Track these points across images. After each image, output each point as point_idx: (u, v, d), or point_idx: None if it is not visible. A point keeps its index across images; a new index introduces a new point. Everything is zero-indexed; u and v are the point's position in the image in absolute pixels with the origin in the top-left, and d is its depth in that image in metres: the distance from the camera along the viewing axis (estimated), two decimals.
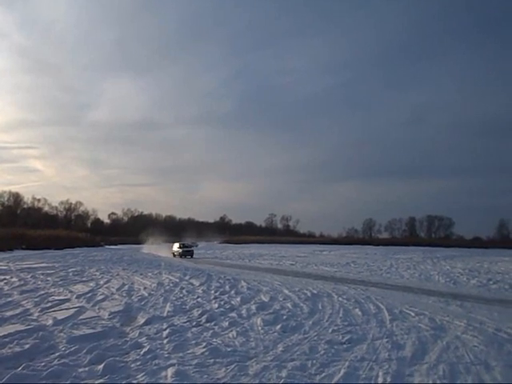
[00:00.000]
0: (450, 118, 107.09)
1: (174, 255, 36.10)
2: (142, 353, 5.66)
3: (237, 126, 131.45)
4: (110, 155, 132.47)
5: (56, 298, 10.10)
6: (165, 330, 7.02)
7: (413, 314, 8.70)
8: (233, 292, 11.65)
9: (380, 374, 4.95)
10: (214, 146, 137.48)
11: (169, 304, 9.48)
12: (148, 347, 5.92)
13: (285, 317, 8.26)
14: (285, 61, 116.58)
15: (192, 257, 34.27)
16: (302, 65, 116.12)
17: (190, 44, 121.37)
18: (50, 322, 7.35)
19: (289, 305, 9.63)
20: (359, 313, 8.79)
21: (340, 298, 10.72)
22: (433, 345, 6.32)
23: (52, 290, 11.59)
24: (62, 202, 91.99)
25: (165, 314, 8.38)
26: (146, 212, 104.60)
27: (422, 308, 9.51)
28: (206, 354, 5.67)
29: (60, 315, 7.95)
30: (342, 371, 5.01)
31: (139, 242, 67.69)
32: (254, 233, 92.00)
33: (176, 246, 37.43)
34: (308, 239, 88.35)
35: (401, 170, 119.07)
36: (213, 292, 11.64)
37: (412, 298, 11.46)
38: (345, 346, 6.23)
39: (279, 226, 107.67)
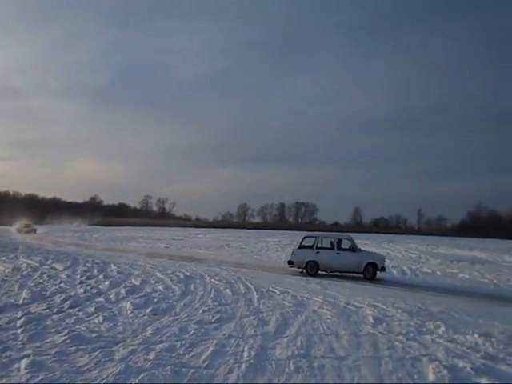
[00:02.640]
0: (323, 111, 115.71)
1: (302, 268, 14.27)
2: None
3: (113, 103, 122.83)
4: None
5: None
6: (19, 318, 6.35)
7: (278, 293, 9.36)
8: (101, 276, 11.06)
9: (245, 348, 5.24)
10: (86, 122, 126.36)
11: (26, 290, 8.59)
12: None
13: (156, 299, 8.16)
14: (169, 40, 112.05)
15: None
16: (187, 46, 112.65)
17: (59, 10, 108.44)
18: None
19: (161, 287, 9.53)
20: (230, 293, 9.13)
21: (212, 280, 10.98)
22: (293, 319, 6.91)
23: None
24: None
25: (20, 302, 7.57)
26: (1, 189, 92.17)
27: (286, 286, 10.29)
28: (68, 341, 5.31)
29: None
30: (210, 349, 5.18)
31: None
32: (128, 215, 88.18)
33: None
34: (184, 222, 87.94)
35: (275, 157, 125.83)
36: (78, 276, 10.89)
37: (278, 277, 12.32)
38: (214, 325, 6.44)
39: (155, 208, 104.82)
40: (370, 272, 13.44)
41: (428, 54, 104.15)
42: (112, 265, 13.61)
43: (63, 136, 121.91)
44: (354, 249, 14.05)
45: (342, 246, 14.23)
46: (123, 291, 8.90)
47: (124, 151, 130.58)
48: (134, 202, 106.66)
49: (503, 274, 15.67)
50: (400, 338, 6.01)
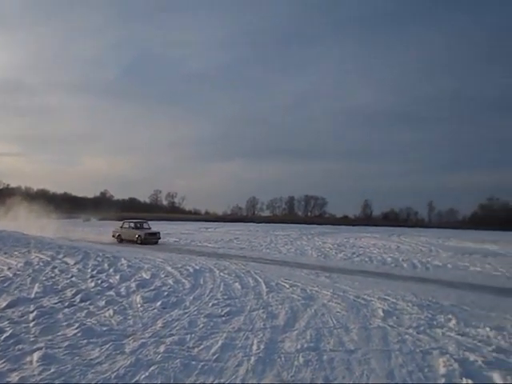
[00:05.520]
0: (330, 105, 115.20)
1: None
2: (2, 338, 5.12)
3: (121, 97, 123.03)
4: None
5: None
6: (32, 312, 6.44)
7: (287, 286, 9.36)
8: (112, 270, 11.15)
9: (255, 342, 5.26)
10: (96, 117, 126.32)
11: (37, 284, 8.70)
12: (10, 332, 5.37)
13: (166, 293, 8.21)
14: (175, 34, 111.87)
15: None
16: (193, 40, 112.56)
17: (67, 5, 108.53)
18: None
19: (170, 281, 9.58)
20: (239, 286, 9.16)
21: (221, 273, 11.01)
22: (303, 313, 6.91)
23: None
24: None
25: (32, 296, 7.67)
26: (13, 185, 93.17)
27: (295, 280, 10.28)
28: (79, 334, 5.37)
29: None
30: (220, 342, 5.20)
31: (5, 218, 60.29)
32: (138, 209, 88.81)
33: None
34: (194, 216, 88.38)
35: (283, 151, 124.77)
36: (89, 271, 10.98)
37: (288, 271, 12.31)
38: (223, 318, 6.46)
39: (164, 202, 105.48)
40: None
41: (431, 47, 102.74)
42: (122, 259, 13.70)
43: (73, 131, 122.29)
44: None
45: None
46: (133, 285, 8.97)
47: (134, 146, 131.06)
48: (143, 197, 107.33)
49: None
50: (410, 331, 5.98)
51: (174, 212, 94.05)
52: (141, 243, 22.24)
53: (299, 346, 5.12)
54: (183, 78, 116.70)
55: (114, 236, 24.59)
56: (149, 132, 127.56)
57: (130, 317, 6.40)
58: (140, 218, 32.36)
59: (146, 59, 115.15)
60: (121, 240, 23.76)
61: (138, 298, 7.68)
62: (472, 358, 4.87)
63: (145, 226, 24.70)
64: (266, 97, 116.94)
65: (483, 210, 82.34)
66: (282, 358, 4.69)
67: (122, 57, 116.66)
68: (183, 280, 9.81)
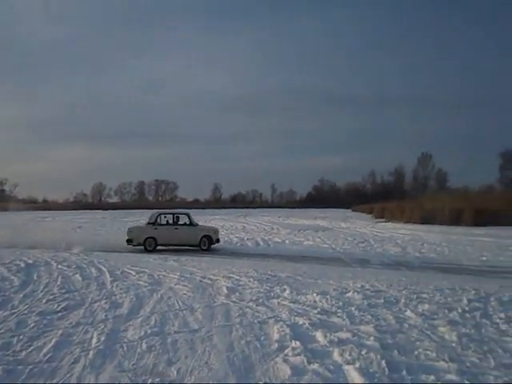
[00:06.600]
0: (182, 90, 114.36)
1: None
2: None
3: None
4: None
5: None
6: None
7: (133, 273, 9.09)
8: None
9: (95, 335, 4.98)
10: None
11: None
12: None
13: None
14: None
15: None
16: (28, 6, 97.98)
17: None
18: None
19: None
20: (79, 278, 8.52)
21: (60, 266, 10.08)
22: (149, 299, 6.80)
23: None
24: None
25: None
26: None
27: (143, 266, 10.04)
28: None
29: None
30: (54, 341, 4.76)
31: None
32: None
33: None
34: (29, 205, 78.45)
35: (132, 135, 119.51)
36: None
37: (134, 258, 11.96)
38: (60, 314, 5.94)
39: None
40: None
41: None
42: None
43: None
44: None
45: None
46: None
47: None
48: None
49: (339, 239, 17.98)
50: (250, 304, 6.43)
51: (3, 201, 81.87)
52: (206, 249, 14.68)
53: (143, 333, 5.04)
54: (16, 49, 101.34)
55: (131, 240, 14.97)
56: None
57: None
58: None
59: None
60: (155, 246, 14.85)
61: None
62: (301, 321, 5.48)
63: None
64: (116, 78, 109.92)
65: (316, 190, 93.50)
66: (124, 347, 4.55)
67: None
68: (12, 277, 8.67)
